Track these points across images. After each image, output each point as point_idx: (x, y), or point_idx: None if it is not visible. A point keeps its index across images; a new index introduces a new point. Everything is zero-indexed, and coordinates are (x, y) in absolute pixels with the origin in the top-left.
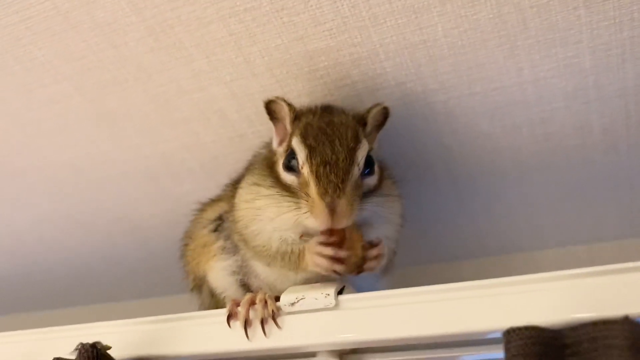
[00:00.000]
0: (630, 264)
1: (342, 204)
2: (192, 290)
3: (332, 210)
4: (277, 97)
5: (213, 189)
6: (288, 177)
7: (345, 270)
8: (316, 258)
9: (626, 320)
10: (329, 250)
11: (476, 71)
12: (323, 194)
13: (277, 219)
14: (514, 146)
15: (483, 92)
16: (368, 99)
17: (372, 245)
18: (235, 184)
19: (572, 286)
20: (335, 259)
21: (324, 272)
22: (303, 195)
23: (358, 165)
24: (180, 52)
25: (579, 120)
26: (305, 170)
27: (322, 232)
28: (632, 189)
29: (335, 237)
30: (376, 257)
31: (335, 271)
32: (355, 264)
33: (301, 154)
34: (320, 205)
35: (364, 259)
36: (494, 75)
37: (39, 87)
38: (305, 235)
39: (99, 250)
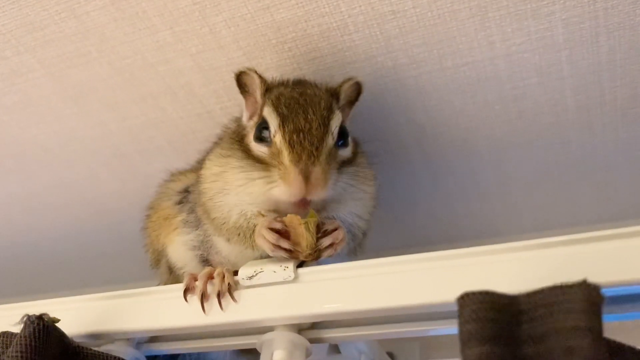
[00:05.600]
0: (589, 234)
1: (317, 171)
2: (151, 265)
3: (306, 178)
4: (248, 69)
5: (182, 167)
6: (259, 149)
7: (295, 257)
8: (260, 239)
9: (584, 284)
10: (271, 237)
11: (447, 45)
12: (296, 160)
13: (244, 191)
14: (487, 124)
15: (454, 67)
16: (338, 73)
17: (325, 233)
18: (204, 158)
19: (534, 257)
20: (277, 246)
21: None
22: (275, 164)
23: (332, 134)
24: (143, 22)
25: (552, 97)
26: (278, 138)
27: (270, 227)
28: (608, 169)
29: (280, 225)
30: (331, 246)
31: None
32: (308, 255)
33: (273, 122)
34: (293, 172)
35: (318, 250)
36: (464, 49)
37: None
38: (272, 212)
39: (68, 233)
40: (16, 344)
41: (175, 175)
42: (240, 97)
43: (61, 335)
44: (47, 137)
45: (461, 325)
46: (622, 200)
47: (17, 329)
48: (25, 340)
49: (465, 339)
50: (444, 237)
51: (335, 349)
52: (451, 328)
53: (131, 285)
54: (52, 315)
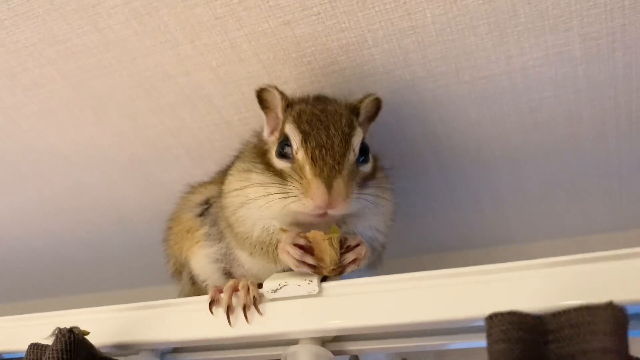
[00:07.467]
0: (614, 252)
1: (339, 183)
2: (171, 275)
3: (328, 191)
4: (269, 85)
5: (199, 176)
6: (281, 164)
7: (318, 273)
8: (284, 255)
9: (610, 306)
10: (295, 253)
11: (465, 59)
12: (319, 173)
13: (266, 206)
14: (502, 135)
15: (471, 80)
16: (356, 86)
17: (349, 248)
18: (225, 171)
19: (557, 274)
20: (301, 262)
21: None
22: (297, 179)
23: (353, 150)
24: (165, 35)
25: (568, 109)
26: (300, 154)
27: (294, 242)
28: (621, 180)
29: (304, 240)
30: (354, 261)
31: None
32: (332, 270)
33: (295, 139)
34: (315, 185)
35: (342, 266)
36: (482, 63)
37: (22, 71)
38: (293, 227)
39: (83, 238)
40: (48, 357)
41: (195, 188)
42: (258, 108)
43: (90, 347)
44: (65, 145)
45: (490, 345)
46: (635, 210)
47: (47, 341)
48: (57, 353)
49: (494, 358)
50: (458, 244)
51: (355, 358)
52: (471, 342)
53: (145, 289)
54: (80, 326)
